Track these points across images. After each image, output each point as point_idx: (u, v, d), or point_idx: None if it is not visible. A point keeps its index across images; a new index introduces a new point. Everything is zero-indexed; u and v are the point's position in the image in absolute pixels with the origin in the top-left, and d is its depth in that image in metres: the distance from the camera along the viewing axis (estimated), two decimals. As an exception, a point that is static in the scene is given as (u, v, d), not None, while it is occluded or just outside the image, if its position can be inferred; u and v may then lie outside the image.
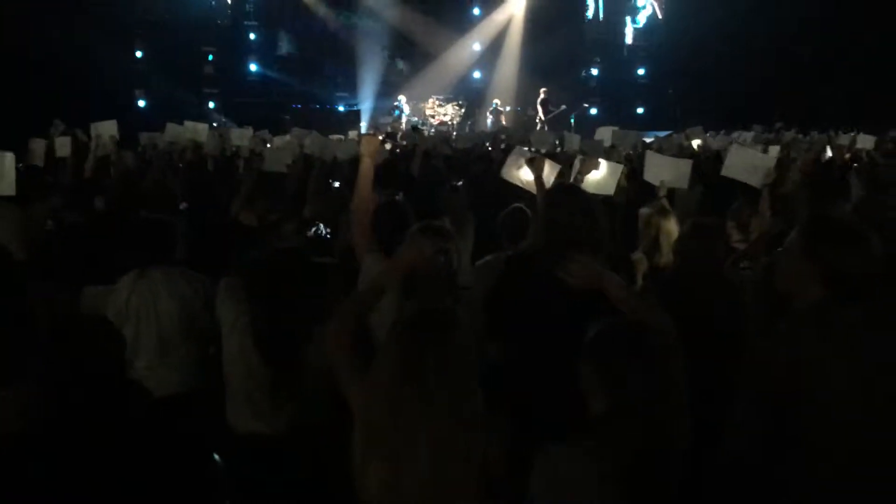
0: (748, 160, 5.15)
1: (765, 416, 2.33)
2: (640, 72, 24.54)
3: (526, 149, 6.14)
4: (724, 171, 5.25)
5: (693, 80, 20.72)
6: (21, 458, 2.02)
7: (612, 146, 8.99)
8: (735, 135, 12.14)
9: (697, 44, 20.30)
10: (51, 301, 3.45)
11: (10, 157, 4.16)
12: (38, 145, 7.20)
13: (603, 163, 5.38)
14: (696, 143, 10.91)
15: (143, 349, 3.61)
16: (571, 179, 5.01)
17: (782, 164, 6.32)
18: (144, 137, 9.28)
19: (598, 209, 3.23)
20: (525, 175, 5.17)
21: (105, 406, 2.04)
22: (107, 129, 6.70)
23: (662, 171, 5.33)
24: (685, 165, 5.50)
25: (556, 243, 3.07)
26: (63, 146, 6.66)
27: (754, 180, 4.90)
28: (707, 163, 7.37)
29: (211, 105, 21.09)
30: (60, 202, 5.47)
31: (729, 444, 2.40)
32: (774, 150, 8.31)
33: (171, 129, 9.24)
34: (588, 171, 5.08)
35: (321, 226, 4.25)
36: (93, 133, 6.66)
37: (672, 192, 5.57)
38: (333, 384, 2.38)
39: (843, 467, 2.23)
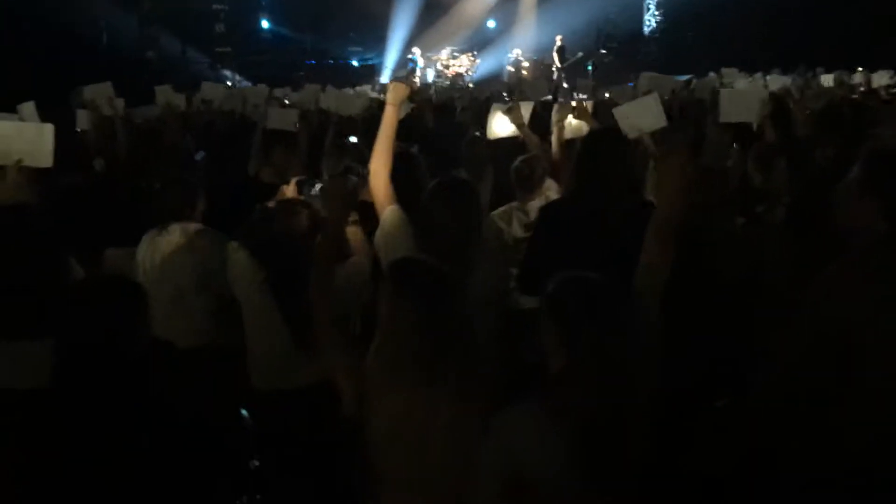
0: (740, 99, 5.01)
1: (819, 361, 2.22)
2: (655, 16, 24.00)
3: (505, 99, 6.05)
4: (722, 118, 5.05)
5: (710, 24, 20.27)
6: (46, 412, 2.05)
7: (648, 91, 8.78)
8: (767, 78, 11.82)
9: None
10: (80, 260, 3.47)
11: (48, 129, 4.12)
12: (26, 110, 7.13)
13: (635, 102, 5.21)
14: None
15: (158, 301, 3.63)
16: (553, 127, 4.94)
17: (778, 96, 6.10)
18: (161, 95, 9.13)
19: (632, 154, 3.20)
20: (507, 126, 5.16)
21: (128, 361, 2.05)
22: (102, 91, 6.55)
23: (633, 119, 4.93)
24: (648, 103, 4.97)
25: (593, 190, 3.05)
26: (83, 119, 6.53)
27: (752, 116, 4.78)
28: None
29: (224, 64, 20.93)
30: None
31: (765, 393, 2.32)
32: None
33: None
34: (564, 117, 4.97)
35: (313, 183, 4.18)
36: (86, 97, 6.49)
37: (702, 138, 5.42)
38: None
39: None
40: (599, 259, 2.83)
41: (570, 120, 5.05)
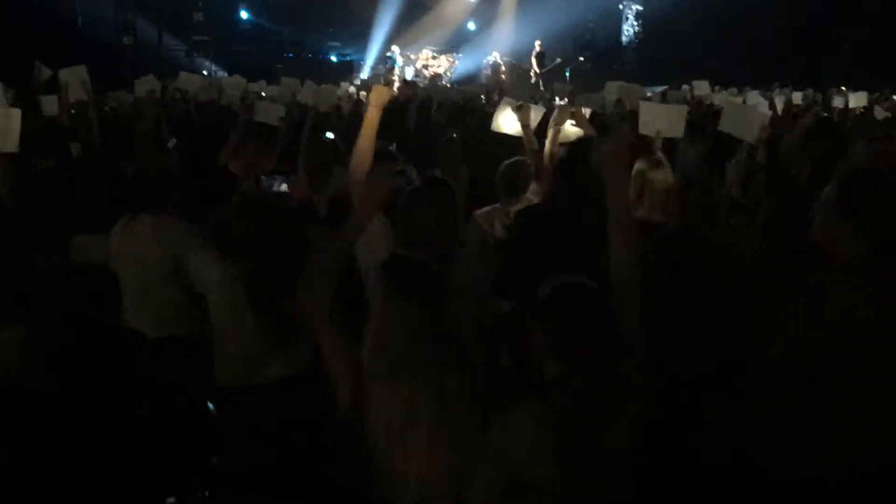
0: (743, 115, 5.10)
1: (798, 377, 2.30)
2: (634, 26, 24.21)
3: (513, 99, 6.07)
4: (721, 127, 5.19)
5: (688, 37, 20.51)
6: (18, 402, 2.03)
7: (618, 100, 8.88)
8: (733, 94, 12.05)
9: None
10: (48, 249, 3.43)
11: (15, 113, 4.12)
12: None
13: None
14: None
15: (127, 291, 3.58)
16: (550, 129, 4.98)
17: (778, 120, 6.24)
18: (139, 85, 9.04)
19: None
20: (513, 124, 5.18)
21: (97, 350, 2.03)
22: (76, 74, 6.45)
23: (657, 120, 5.23)
24: (679, 113, 5.40)
25: (570, 196, 3.08)
26: (50, 104, 6.40)
27: (749, 136, 4.86)
28: (708, 118, 7.28)
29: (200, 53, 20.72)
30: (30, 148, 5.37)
31: (755, 403, 2.38)
32: (763, 106, 8.25)
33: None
34: (563, 122, 5.02)
35: (278, 179, 4.15)
36: (61, 80, 6.40)
37: (672, 149, 5.52)
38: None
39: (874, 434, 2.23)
40: (574, 264, 2.88)
41: (567, 125, 5.08)
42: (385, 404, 2.01)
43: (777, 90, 13.35)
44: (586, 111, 5.49)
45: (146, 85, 8.02)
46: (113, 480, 1.92)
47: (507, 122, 5.32)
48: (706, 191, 3.62)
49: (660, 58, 21.28)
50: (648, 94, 10.93)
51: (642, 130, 5.08)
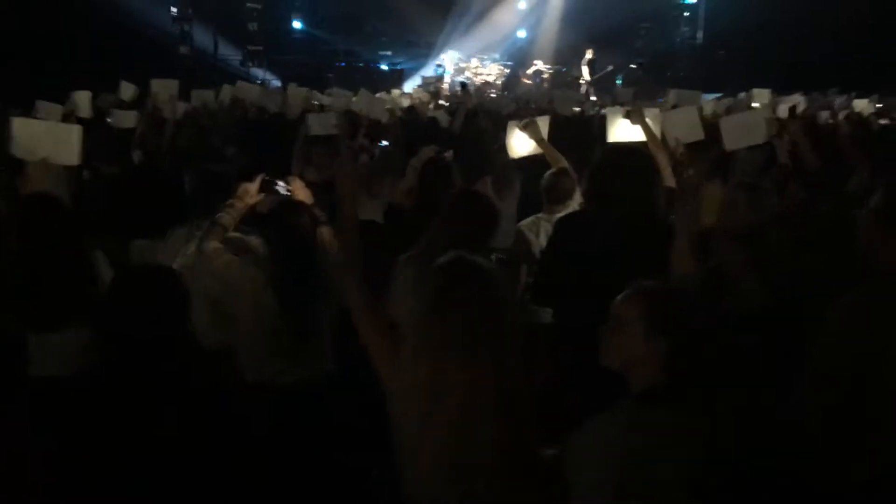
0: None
1: (838, 385, 2.29)
2: (690, 31, 23.86)
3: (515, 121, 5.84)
4: (728, 146, 4.88)
5: (747, 42, 20.12)
6: (74, 400, 2.08)
7: (674, 107, 8.74)
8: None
9: (756, 3, 19.64)
10: (110, 251, 3.55)
11: (76, 129, 4.39)
12: (81, 98, 7.31)
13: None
14: (756, 105, 10.55)
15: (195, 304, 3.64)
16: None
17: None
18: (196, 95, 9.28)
19: (651, 170, 3.19)
20: (526, 144, 5.04)
21: (158, 357, 2.07)
22: (167, 88, 6.64)
23: (739, 131, 4.96)
24: (757, 119, 5.11)
25: (606, 203, 3.05)
26: (125, 118, 6.60)
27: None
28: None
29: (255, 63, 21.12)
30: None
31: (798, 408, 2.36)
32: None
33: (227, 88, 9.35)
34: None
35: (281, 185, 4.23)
36: (152, 89, 6.61)
37: (730, 156, 5.38)
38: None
39: None
40: (613, 272, 2.86)
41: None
42: (434, 407, 2.01)
43: (836, 97, 13.02)
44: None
45: (201, 96, 8.22)
46: (166, 477, 1.96)
47: (519, 144, 5.17)
48: (764, 194, 3.57)
49: (715, 64, 20.95)
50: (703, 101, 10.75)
51: (729, 147, 4.88)
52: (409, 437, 2.05)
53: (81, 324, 3.17)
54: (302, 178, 5.19)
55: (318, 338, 3.29)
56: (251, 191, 3.47)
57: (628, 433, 2.01)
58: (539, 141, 4.84)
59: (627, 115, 4.91)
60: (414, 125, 8.18)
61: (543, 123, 5.08)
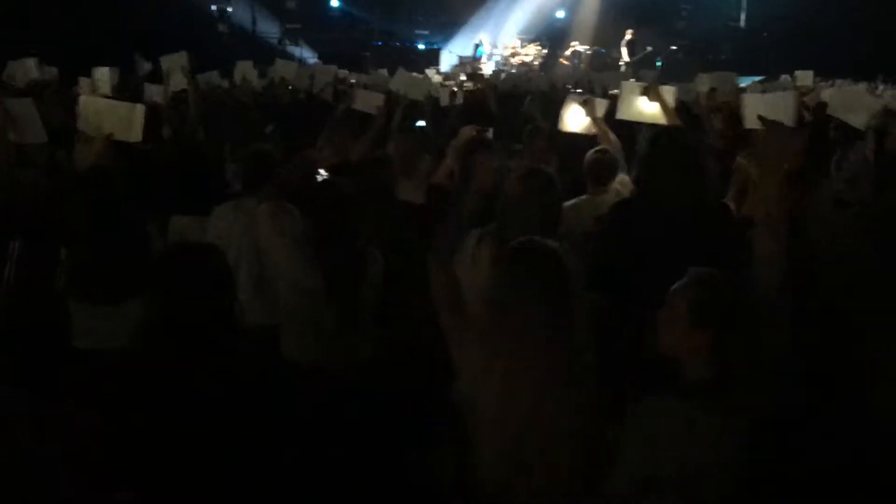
0: (854, 99, 4.82)
1: None
2: (733, 13, 23.38)
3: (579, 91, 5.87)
4: (830, 110, 4.93)
5: (792, 25, 19.65)
6: (120, 374, 2.11)
7: (712, 89, 8.60)
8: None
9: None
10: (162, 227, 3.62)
11: (140, 108, 4.59)
12: (101, 74, 7.37)
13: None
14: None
15: (240, 281, 3.66)
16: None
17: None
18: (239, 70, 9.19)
19: (706, 157, 3.15)
20: (581, 120, 5.02)
21: (204, 333, 2.09)
22: (177, 62, 6.65)
23: (762, 112, 4.90)
24: (787, 101, 5.08)
25: (658, 191, 3.02)
26: (154, 91, 6.66)
27: (858, 121, 4.60)
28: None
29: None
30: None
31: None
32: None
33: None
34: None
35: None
36: (163, 67, 6.62)
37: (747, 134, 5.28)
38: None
39: None
40: (670, 259, 2.82)
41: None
42: (493, 380, 2.01)
43: (881, 84, 12.70)
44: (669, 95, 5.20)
45: (243, 69, 8.26)
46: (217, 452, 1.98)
47: (573, 118, 5.15)
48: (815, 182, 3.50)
49: (759, 46, 20.52)
50: (743, 85, 10.54)
51: (748, 125, 4.86)
52: (481, 421, 2.05)
53: (136, 296, 3.21)
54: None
55: (360, 320, 3.28)
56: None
57: (670, 424, 1.99)
58: (595, 119, 4.81)
59: (645, 92, 4.86)
60: (452, 107, 8.21)
61: (601, 105, 5.04)
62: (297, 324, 3.28)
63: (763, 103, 4.78)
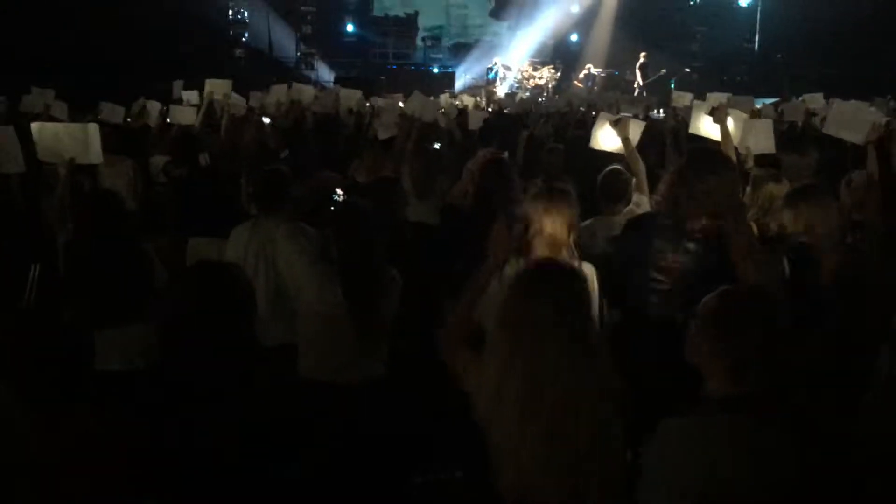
0: (851, 114, 4.79)
1: None
2: (747, 36, 23.41)
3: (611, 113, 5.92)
4: (826, 129, 4.90)
5: (805, 47, 19.66)
6: (141, 393, 2.13)
7: (714, 109, 8.60)
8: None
9: (813, 6, 19.18)
10: (170, 249, 3.65)
11: (93, 128, 4.47)
12: (153, 107, 7.52)
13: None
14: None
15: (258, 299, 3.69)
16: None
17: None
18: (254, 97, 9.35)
19: (734, 175, 3.15)
20: (612, 140, 5.03)
21: (223, 352, 2.10)
22: (220, 88, 6.72)
23: (748, 135, 5.00)
24: (765, 128, 5.17)
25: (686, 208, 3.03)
26: (181, 114, 6.72)
27: (857, 137, 4.59)
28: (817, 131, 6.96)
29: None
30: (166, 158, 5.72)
31: None
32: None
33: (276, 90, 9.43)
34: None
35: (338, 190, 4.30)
36: (206, 89, 6.71)
37: (780, 160, 5.30)
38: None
39: None
40: (689, 277, 2.84)
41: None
42: (520, 410, 2.02)
43: (892, 102, 12.63)
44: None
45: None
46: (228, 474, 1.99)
47: (605, 137, 5.17)
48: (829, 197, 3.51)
49: (772, 68, 20.52)
50: (758, 107, 10.54)
51: (737, 143, 4.87)
52: (505, 437, 2.05)
53: (142, 320, 3.26)
54: (352, 178, 5.30)
55: (378, 338, 3.29)
56: None
57: (711, 441, 1.96)
58: (625, 140, 4.82)
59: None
60: (464, 128, 8.27)
61: (636, 126, 5.07)
62: (315, 342, 3.30)
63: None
